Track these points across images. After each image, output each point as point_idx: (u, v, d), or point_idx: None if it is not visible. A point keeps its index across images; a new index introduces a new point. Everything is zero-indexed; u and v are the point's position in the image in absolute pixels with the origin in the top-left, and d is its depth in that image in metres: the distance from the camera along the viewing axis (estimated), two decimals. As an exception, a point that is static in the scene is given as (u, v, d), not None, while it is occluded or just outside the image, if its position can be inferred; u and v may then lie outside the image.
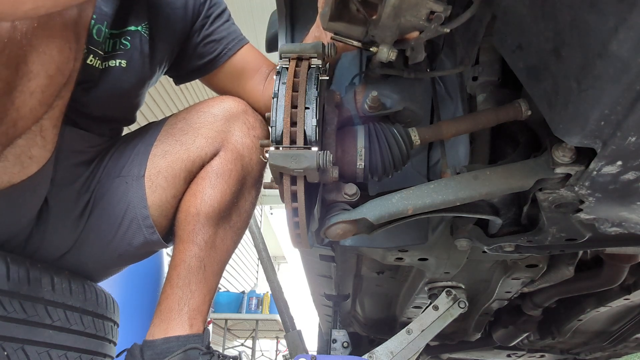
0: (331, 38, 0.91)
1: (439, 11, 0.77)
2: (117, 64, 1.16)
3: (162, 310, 1.15)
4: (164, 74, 1.39)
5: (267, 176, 1.01)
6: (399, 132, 0.99)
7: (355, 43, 0.90)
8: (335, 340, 1.65)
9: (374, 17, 0.84)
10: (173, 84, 1.44)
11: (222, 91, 1.37)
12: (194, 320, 1.14)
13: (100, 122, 1.22)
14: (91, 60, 1.11)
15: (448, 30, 0.81)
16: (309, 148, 0.79)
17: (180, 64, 1.35)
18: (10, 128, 0.89)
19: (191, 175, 1.20)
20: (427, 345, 1.64)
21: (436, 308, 1.48)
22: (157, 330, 1.13)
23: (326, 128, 0.94)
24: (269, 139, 0.82)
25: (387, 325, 2.24)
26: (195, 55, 1.33)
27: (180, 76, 1.40)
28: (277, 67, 0.89)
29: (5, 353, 0.95)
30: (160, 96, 5.35)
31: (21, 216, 1.05)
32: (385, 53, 0.86)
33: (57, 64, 0.92)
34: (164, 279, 1.19)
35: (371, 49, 0.89)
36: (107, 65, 1.15)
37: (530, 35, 0.74)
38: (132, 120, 1.32)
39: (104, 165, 1.21)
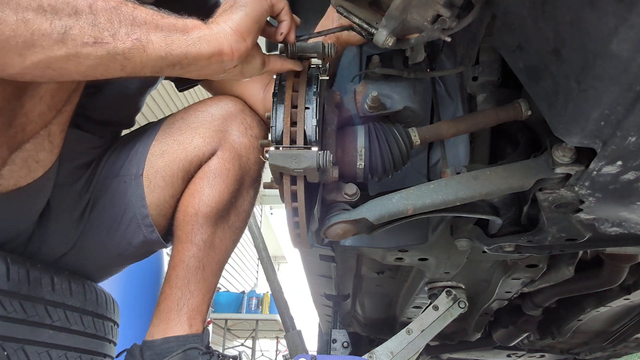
0: (336, 11, 0.92)
1: (445, 15, 0.77)
2: None
3: (161, 310, 1.15)
4: (165, 79, 1.39)
5: (267, 176, 1.01)
6: (399, 132, 0.99)
7: (357, 20, 0.90)
8: (335, 340, 1.65)
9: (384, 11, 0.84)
10: (173, 84, 1.44)
11: (222, 94, 1.37)
12: (193, 320, 1.14)
13: (102, 125, 1.22)
14: None
15: (449, 38, 0.81)
16: (309, 148, 0.79)
17: None
18: (19, 132, 0.90)
19: (189, 175, 1.20)
20: (427, 345, 1.64)
21: (436, 308, 1.48)
22: (156, 330, 1.13)
23: (326, 128, 0.94)
24: (267, 138, 0.82)
25: (387, 325, 2.24)
26: None
27: (181, 81, 1.40)
28: (278, 67, 0.89)
29: (5, 353, 0.95)
30: (161, 96, 5.35)
31: (25, 218, 1.05)
32: (383, 36, 0.86)
33: None
34: (164, 279, 1.19)
35: (371, 30, 0.89)
36: None
37: (530, 35, 0.74)
38: (131, 124, 1.33)
39: (102, 165, 1.22)
